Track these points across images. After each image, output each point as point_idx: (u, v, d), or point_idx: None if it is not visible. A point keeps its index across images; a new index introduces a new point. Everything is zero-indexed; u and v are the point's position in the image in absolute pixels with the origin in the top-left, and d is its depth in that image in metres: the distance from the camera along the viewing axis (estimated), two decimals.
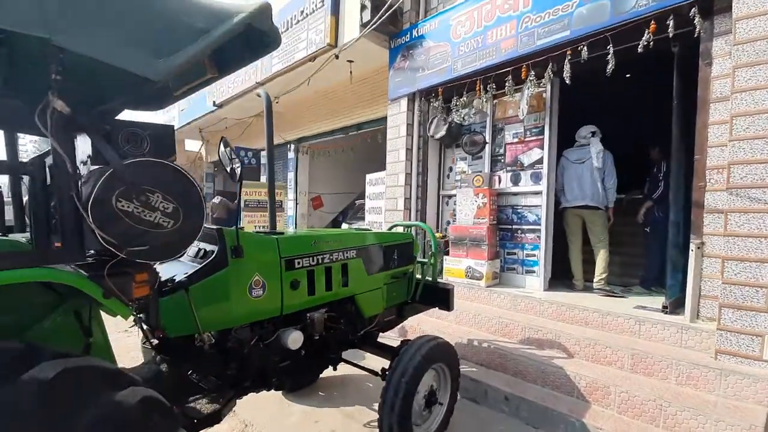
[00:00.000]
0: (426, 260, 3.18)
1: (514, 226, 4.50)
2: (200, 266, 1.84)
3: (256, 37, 1.57)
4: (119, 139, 1.18)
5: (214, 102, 8.24)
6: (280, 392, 3.06)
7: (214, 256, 1.86)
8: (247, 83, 7.13)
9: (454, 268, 4.53)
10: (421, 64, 4.92)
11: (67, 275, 1.11)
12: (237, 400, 2.00)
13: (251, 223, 7.01)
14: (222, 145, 1.87)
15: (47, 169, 1.14)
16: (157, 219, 1.20)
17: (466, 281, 4.39)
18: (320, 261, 2.30)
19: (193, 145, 11.87)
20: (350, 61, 5.96)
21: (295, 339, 2.10)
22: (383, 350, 2.64)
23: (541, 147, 4.24)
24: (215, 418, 1.80)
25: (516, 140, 4.49)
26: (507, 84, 4.05)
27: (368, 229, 3.54)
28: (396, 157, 5.26)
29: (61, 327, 1.30)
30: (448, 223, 5.09)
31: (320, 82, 6.44)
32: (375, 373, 2.54)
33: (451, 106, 4.78)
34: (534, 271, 4.29)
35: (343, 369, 2.77)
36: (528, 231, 4.37)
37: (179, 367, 1.88)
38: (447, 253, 4.66)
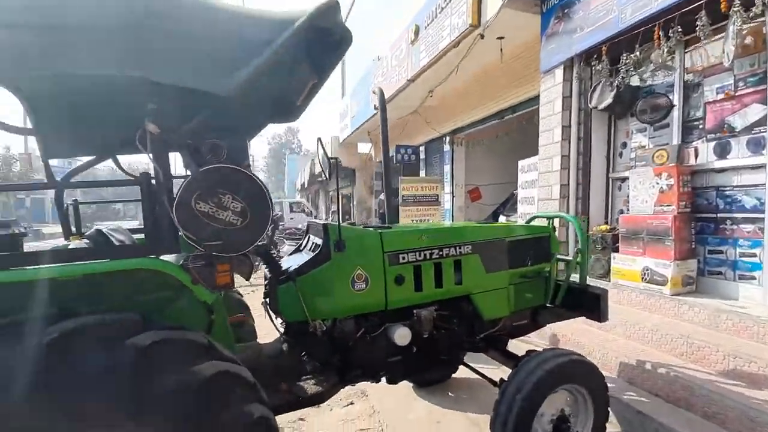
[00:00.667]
0: (571, 258, 2.68)
1: (719, 215, 3.32)
2: (308, 258, 2.01)
3: (327, 37, 1.59)
4: (203, 150, 1.39)
5: (375, 105, 8.93)
6: (411, 385, 3.08)
7: (320, 249, 2.01)
8: (399, 83, 7.45)
9: (626, 268, 3.65)
10: (578, 23, 4.13)
11: (164, 264, 1.37)
12: (359, 386, 2.05)
13: (408, 217, 7.26)
14: (319, 146, 1.98)
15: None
16: (228, 217, 1.36)
17: (642, 286, 3.48)
18: (428, 256, 2.20)
19: (364, 148, 13.20)
20: (500, 38, 5.51)
21: (402, 335, 2.07)
22: (507, 358, 2.35)
23: (764, 101, 2.97)
24: (317, 399, 1.93)
25: (721, 96, 3.29)
26: (699, 23, 2.99)
27: (495, 222, 3.21)
28: (550, 138, 4.58)
29: (190, 307, 1.61)
30: (621, 212, 4.15)
31: (469, 67, 6.19)
32: (494, 383, 2.27)
33: (619, 67, 3.85)
34: (753, 278, 3.07)
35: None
36: (743, 221, 3.15)
37: (294, 349, 2.10)
38: (616, 250, 3.81)
